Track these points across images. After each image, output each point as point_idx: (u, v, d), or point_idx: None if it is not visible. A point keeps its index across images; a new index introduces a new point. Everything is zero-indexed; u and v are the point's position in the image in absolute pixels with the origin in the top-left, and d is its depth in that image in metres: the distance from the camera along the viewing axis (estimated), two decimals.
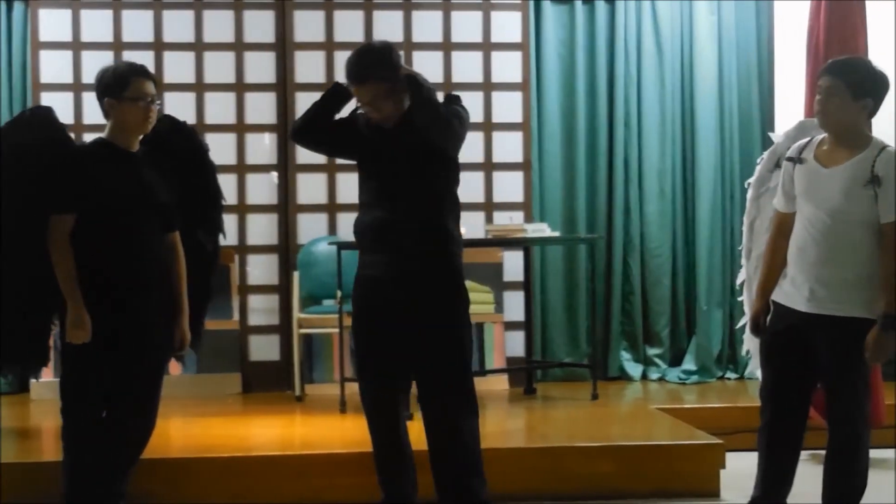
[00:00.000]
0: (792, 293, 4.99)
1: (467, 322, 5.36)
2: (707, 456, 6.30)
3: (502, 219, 8.50)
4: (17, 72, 8.43)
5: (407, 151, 5.22)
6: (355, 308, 5.45)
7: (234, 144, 8.65)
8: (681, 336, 8.93)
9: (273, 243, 8.70)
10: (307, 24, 8.70)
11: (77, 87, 8.34)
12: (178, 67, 8.60)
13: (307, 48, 8.65)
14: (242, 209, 8.63)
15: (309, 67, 8.58)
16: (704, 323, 8.81)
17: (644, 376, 8.84)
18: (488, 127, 8.82)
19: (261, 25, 8.68)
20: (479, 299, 8.37)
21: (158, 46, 8.57)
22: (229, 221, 8.29)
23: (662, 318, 8.87)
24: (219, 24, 8.66)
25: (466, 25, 8.84)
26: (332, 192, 8.67)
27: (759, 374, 5.36)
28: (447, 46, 8.81)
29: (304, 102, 6.87)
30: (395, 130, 5.25)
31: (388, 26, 8.72)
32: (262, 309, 8.69)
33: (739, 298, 5.94)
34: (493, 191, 8.84)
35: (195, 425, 7.14)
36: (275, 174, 8.64)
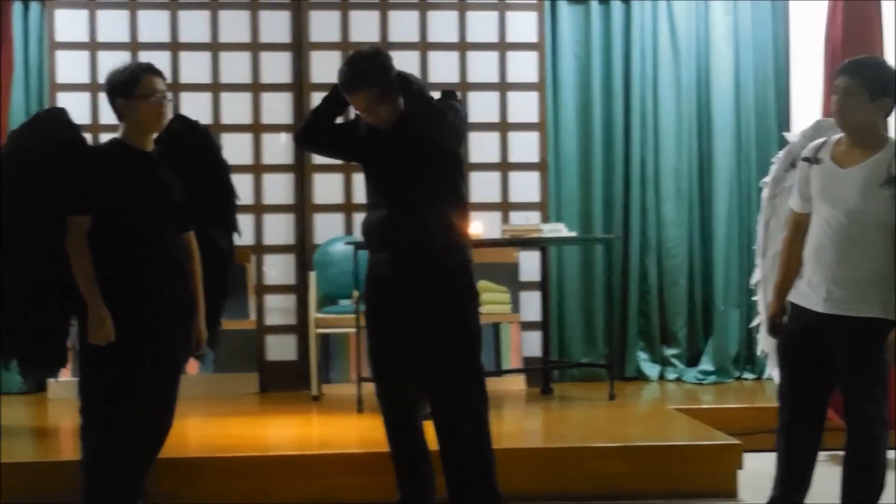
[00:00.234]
0: (809, 294, 4.98)
1: (474, 319, 5.36)
2: (725, 456, 6.29)
3: (518, 219, 8.50)
4: (33, 72, 8.46)
5: (406, 151, 5.26)
6: (367, 307, 5.48)
7: (251, 144, 8.66)
8: (698, 336, 8.92)
9: (290, 243, 8.72)
10: (323, 25, 8.71)
11: (93, 88, 8.37)
12: (194, 68, 8.62)
13: (323, 48, 8.65)
14: (259, 209, 8.64)
15: (325, 67, 8.57)
16: (721, 323, 8.79)
17: (661, 376, 8.83)
18: (504, 127, 8.82)
19: (277, 26, 8.69)
20: (496, 299, 8.37)
21: (175, 47, 8.59)
22: (246, 221, 8.40)
23: (679, 319, 8.86)
24: (235, 25, 8.68)
25: (482, 25, 8.84)
26: (348, 192, 8.68)
27: (776, 374, 5.35)
28: (463, 47, 8.81)
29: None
30: (393, 131, 5.28)
31: (403, 26, 8.74)
32: (278, 309, 8.70)
33: (754, 298, 5.94)
34: (510, 191, 8.84)
35: (212, 425, 7.15)
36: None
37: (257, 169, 8.65)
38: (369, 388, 6.16)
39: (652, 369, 8.82)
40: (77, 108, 7.85)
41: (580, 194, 8.84)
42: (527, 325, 8.62)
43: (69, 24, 8.51)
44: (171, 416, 5.21)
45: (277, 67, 8.70)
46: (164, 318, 5.05)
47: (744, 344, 8.80)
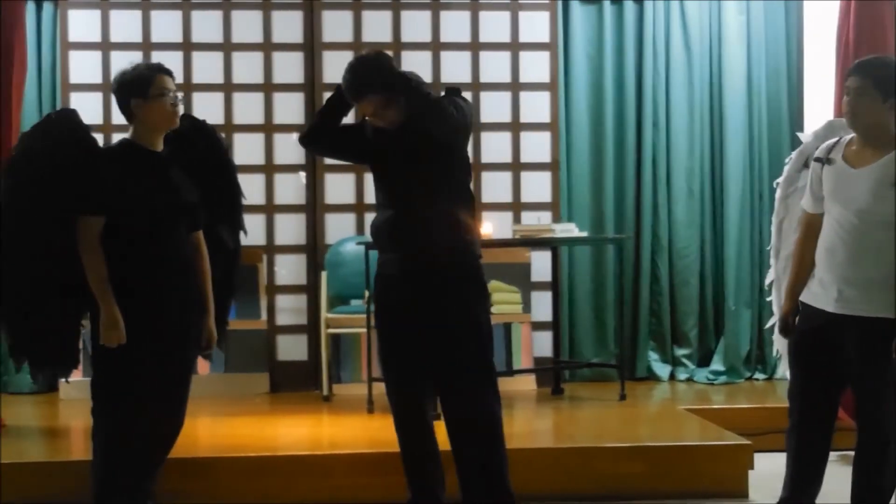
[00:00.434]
0: (820, 294, 4.97)
1: (484, 317, 5.36)
2: (735, 457, 6.28)
3: (530, 219, 8.49)
4: (46, 72, 8.47)
5: (410, 150, 5.26)
6: (376, 307, 5.49)
7: (263, 145, 8.66)
8: (709, 336, 8.91)
9: (301, 243, 8.72)
10: (335, 25, 8.71)
11: (106, 88, 8.36)
12: (206, 68, 8.63)
13: (335, 48, 8.64)
14: (270, 209, 8.64)
15: (337, 68, 8.40)
16: (733, 323, 8.78)
17: (672, 377, 8.82)
18: (516, 127, 8.81)
19: (289, 26, 8.69)
20: (507, 299, 8.37)
21: (187, 47, 8.60)
22: (258, 221, 8.42)
23: (690, 319, 8.85)
24: (247, 25, 8.68)
25: (494, 25, 8.83)
26: (359, 192, 8.68)
27: (788, 374, 5.35)
28: (475, 46, 8.81)
29: None
30: (397, 131, 5.27)
31: (415, 26, 8.74)
32: (289, 309, 8.70)
33: (768, 299, 5.92)
34: (521, 191, 8.83)
35: (223, 425, 7.16)
36: (303, 174, 8.65)
37: (269, 169, 8.65)
38: (380, 388, 6.17)
39: (663, 369, 8.81)
40: (90, 108, 7.96)
41: (592, 194, 8.83)
42: (538, 325, 8.62)
43: (82, 24, 8.52)
44: (183, 416, 5.22)
45: (289, 68, 8.70)
46: (177, 317, 5.06)
47: (755, 344, 8.79)
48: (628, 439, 6.57)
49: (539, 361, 8.56)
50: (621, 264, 8.39)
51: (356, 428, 7.13)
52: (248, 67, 8.68)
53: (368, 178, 8.49)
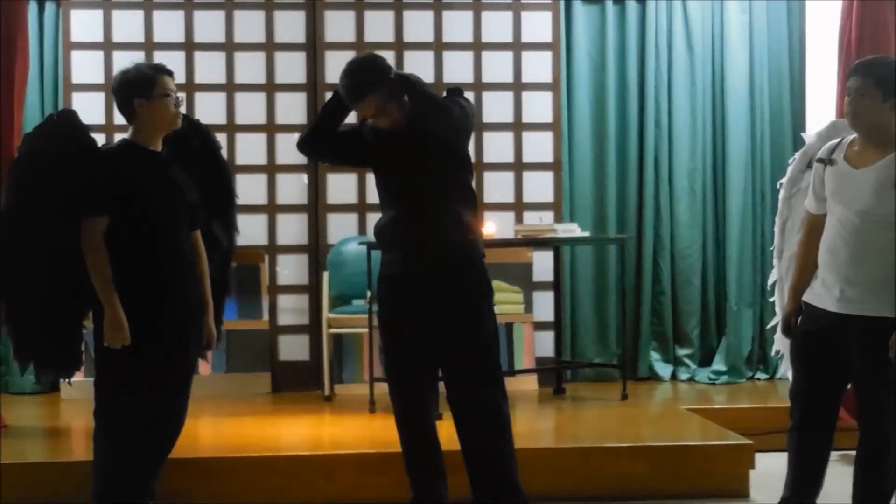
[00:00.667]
0: (822, 294, 4.97)
1: (489, 315, 5.36)
2: (737, 456, 6.29)
3: (532, 219, 8.49)
4: (48, 72, 8.47)
5: (411, 150, 5.26)
6: (379, 307, 5.49)
7: (265, 145, 8.66)
8: (711, 336, 8.91)
9: (303, 243, 8.72)
10: (337, 25, 8.71)
11: (108, 88, 8.32)
12: (208, 68, 8.63)
13: (337, 48, 8.64)
14: (272, 209, 8.64)
15: (339, 68, 8.41)
16: (734, 323, 8.78)
17: (674, 376, 8.82)
18: (518, 127, 8.81)
19: (291, 26, 8.70)
20: (509, 299, 8.37)
21: (189, 47, 8.60)
22: (260, 221, 8.44)
23: (692, 319, 8.85)
24: (249, 25, 8.68)
25: (497, 25, 8.83)
26: (361, 192, 8.68)
27: (790, 374, 5.34)
28: (477, 46, 8.81)
29: None
30: (398, 132, 5.28)
31: (418, 26, 8.74)
32: (291, 309, 8.70)
33: (771, 299, 5.93)
34: (523, 191, 8.83)
35: (225, 425, 7.16)
36: (305, 175, 8.65)
37: (271, 169, 8.65)
38: (382, 388, 6.17)
39: (664, 369, 8.81)
40: (92, 108, 7.97)
41: (594, 194, 8.83)
42: (540, 325, 8.62)
43: (84, 24, 8.52)
44: (184, 416, 5.22)
45: (292, 68, 8.70)
46: (179, 317, 5.06)
47: (756, 344, 8.79)
48: (630, 439, 6.58)
49: (541, 361, 8.57)
50: (623, 264, 8.39)
51: (358, 428, 7.13)
52: (250, 67, 8.68)
53: (370, 179, 8.50)
